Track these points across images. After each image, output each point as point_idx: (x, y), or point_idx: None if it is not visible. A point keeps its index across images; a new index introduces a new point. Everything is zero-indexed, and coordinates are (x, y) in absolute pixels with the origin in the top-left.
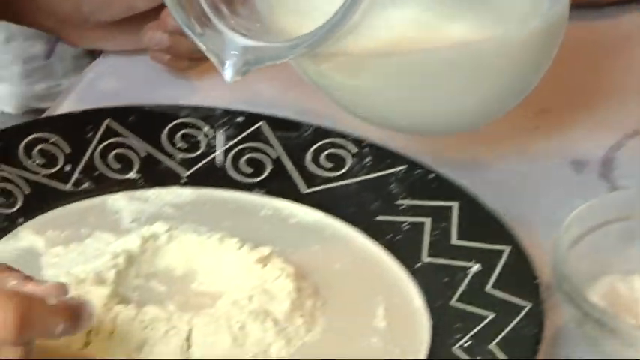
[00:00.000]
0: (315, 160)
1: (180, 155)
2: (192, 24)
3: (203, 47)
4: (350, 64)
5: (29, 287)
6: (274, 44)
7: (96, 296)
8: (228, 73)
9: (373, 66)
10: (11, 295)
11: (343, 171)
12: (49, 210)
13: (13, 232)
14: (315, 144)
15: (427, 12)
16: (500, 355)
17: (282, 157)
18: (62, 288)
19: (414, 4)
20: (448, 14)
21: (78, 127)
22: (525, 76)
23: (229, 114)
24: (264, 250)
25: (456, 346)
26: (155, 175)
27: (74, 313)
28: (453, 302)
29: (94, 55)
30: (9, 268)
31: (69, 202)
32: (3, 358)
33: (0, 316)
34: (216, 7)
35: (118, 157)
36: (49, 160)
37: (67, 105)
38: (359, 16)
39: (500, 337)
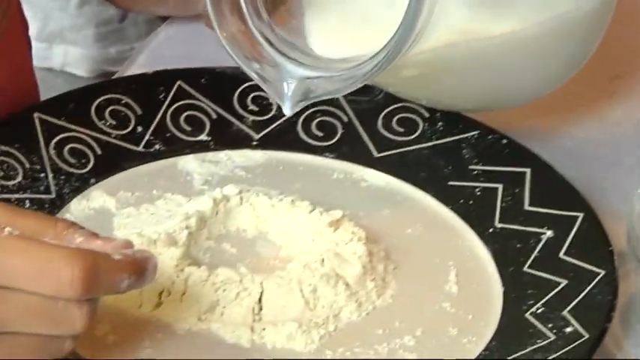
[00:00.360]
0: (387, 124)
1: (252, 117)
2: (249, 62)
3: (262, 83)
4: (406, 71)
5: (96, 244)
6: (330, 74)
7: (167, 257)
8: (287, 106)
9: (431, 67)
10: (76, 253)
11: (415, 135)
12: (120, 171)
13: (85, 192)
14: (386, 108)
15: (478, 12)
16: (573, 322)
17: (354, 121)
18: (128, 245)
19: (464, 7)
20: (496, 12)
21: (149, 88)
22: (582, 47)
23: None
24: (336, 214)
25: (528, 313)
26: (226, 138)
27: (139, 267)
28: (526, 268)
29: (166, 19)
30: (73, 225)
31: (140, 164)
32: (70, 315)
33: (67, 273)
34: (258, 15)
35: (189, 119)
36: (121, 121)
37: (135, 68)
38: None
39: (573, 304)
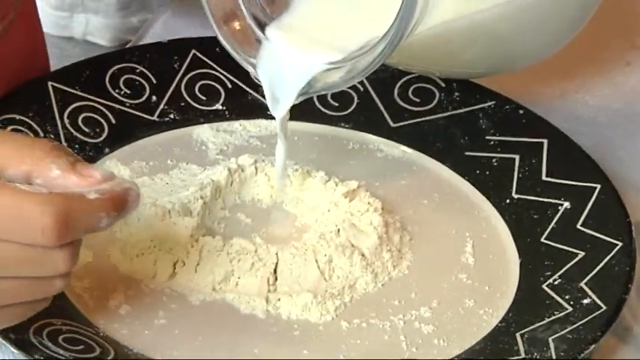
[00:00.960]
0: (403, 94)
1: None
2: (248, 57)
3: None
4: (411, 50)
5: (72, 180)
6: (328, 67)
7: (182, 227)
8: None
9: (434, 43)
10: (48, 200)
11: (431, 105)
12: (134, 140)
13: (99, 161)
14: (402, 78)
15: None
16: (590, 293)
17: (370, 91)
18: (108, 177)
19: None
20: None
21: (164, 57)
22: (580, 8)
23: None
24: (352, 184)
25: (545, 284)
26: (241, 107)
27: (118, 203)
28: (543, 240)
29: None
30: (52, 151)
31: (154, 133)
32: (50, 259)
33: (38, 222)
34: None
35: (204, 89)
36: (135, 90)
37: (150, 36)
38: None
39: (590, 275)
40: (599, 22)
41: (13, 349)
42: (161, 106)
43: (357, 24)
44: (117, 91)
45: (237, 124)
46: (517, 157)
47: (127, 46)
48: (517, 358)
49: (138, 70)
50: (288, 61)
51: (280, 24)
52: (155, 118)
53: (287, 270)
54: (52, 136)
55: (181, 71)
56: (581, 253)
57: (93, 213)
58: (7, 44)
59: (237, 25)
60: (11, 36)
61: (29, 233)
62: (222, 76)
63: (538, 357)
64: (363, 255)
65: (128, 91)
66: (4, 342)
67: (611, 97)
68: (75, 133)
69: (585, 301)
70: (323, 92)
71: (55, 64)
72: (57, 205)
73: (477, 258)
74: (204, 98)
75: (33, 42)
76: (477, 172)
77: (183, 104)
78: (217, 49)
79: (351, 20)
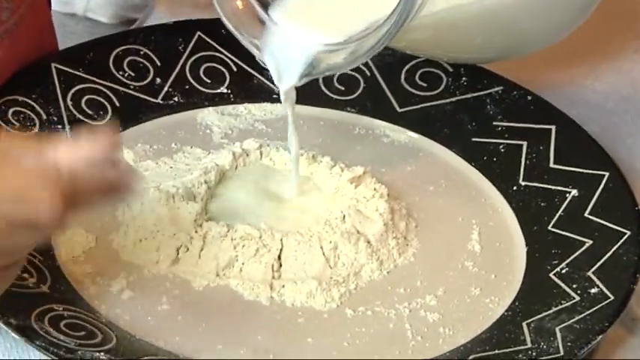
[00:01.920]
0: (410, 78)
1: None
2: (251, 37)
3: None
4: (417, 34)
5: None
6: (333, 48)
7: (186, 212)
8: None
9: (440, 28)
10: (54, 185)
11: (438, 90)
12: (138, 123)
13: None
14: (409, 62)
15: None
16: (598, 282)
17: (376, 75)
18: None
19: None
20: None
21: (168, 39)
22: None
23: None
24: (358, 170)
25: (552, 273)
26: (246, 91)
27: (119, 186)
28: (550, 228)
29: None
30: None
31: (159, 116)
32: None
33: (46, 203)
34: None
35: (209, 71)
36: (139, 72)
37: (155, 17)
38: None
39: (598, 264)
40: (607, 9)
41: (14, 334)
42: (165, 89)
43: (361, 5)
44: (121, 73)
45: (242, 108)
46: (525, 144)
47: (132, 27)
48: (523, 347)
49: (142, 52)
50: (289, 41)
51: (283, 3)
52: (159, 100)
53: (292, 256)
54: (55, 118)
55: (186, 53)
56: (589, 242)
57: (95, 196)
58: (18, 38)
59: (239, 4)
60: (21, 30)
61: (29, 213)
62: (227, 59)
63: (544, 347)
64: (368, 242)
65: (132, 74)
66: (5, 328)
67: (619, 84)
68: (78, 115)
69: (593, 291)
70: (328, 73)
71: (58, 41)
72: (63, 188)
73: (484, 246)
74: (208, 81)
75: (42, 33)
76: (484, 158)
77: (187, 87)
78: (223, 32)
79: (355, 1)
